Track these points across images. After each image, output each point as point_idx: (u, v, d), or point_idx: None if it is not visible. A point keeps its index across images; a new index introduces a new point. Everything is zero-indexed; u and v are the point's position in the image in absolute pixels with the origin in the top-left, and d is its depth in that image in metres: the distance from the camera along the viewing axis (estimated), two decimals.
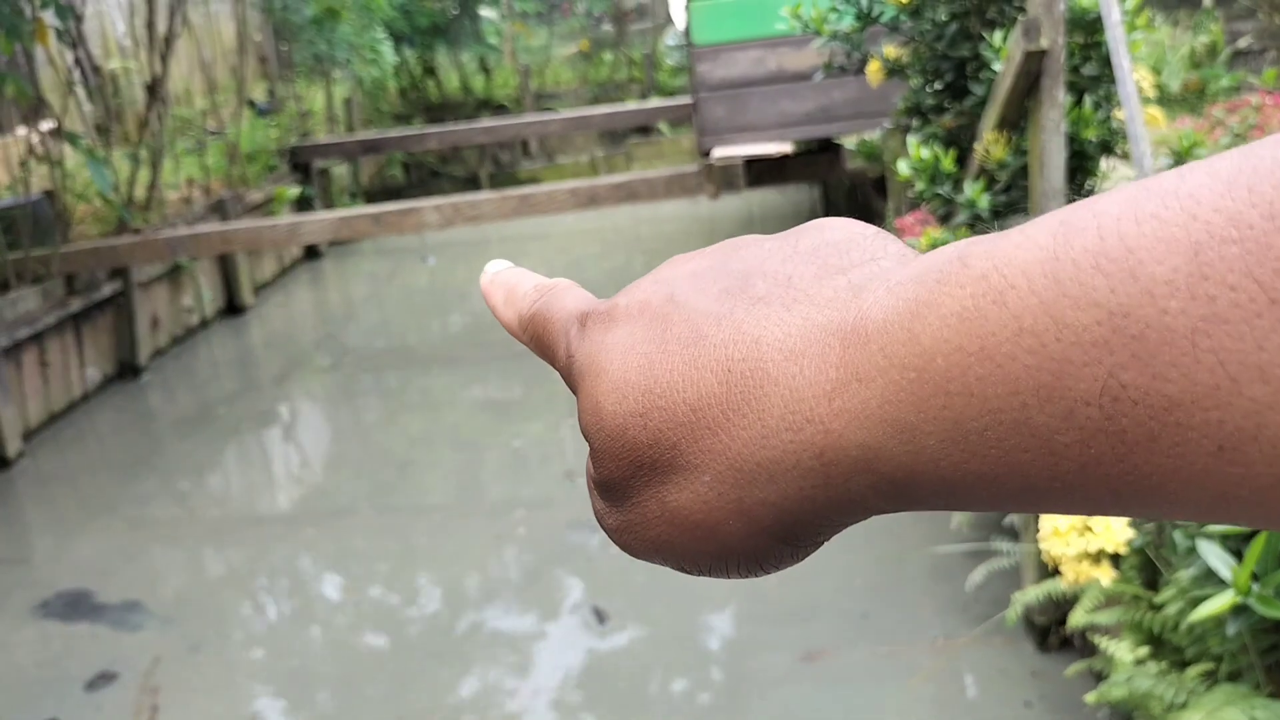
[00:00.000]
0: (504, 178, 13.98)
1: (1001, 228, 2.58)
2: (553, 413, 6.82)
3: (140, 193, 9.11)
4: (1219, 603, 1.98)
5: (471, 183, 13.85)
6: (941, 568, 4.47)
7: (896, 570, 4.51)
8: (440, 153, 14.18)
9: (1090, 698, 2.60)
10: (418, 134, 11.91)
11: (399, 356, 8.52)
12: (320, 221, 7.14)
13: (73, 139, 7.22)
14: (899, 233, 4.23)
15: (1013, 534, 3.98)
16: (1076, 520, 2.17)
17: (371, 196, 13.43)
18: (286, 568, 5.10)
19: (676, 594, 4.49)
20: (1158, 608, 2.59)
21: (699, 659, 4.06)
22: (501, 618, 4.49)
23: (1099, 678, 3.15)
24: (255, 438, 6.98)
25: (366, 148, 11.82)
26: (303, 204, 11.75)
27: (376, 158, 13.70)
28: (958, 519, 4.33)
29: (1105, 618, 2.76)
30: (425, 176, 14.22)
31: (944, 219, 3.88)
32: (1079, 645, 3.76)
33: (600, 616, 4.39)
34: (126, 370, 8.31)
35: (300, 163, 11.84)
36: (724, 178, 6.37)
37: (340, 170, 12.99)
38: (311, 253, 11.91)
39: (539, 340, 0.42)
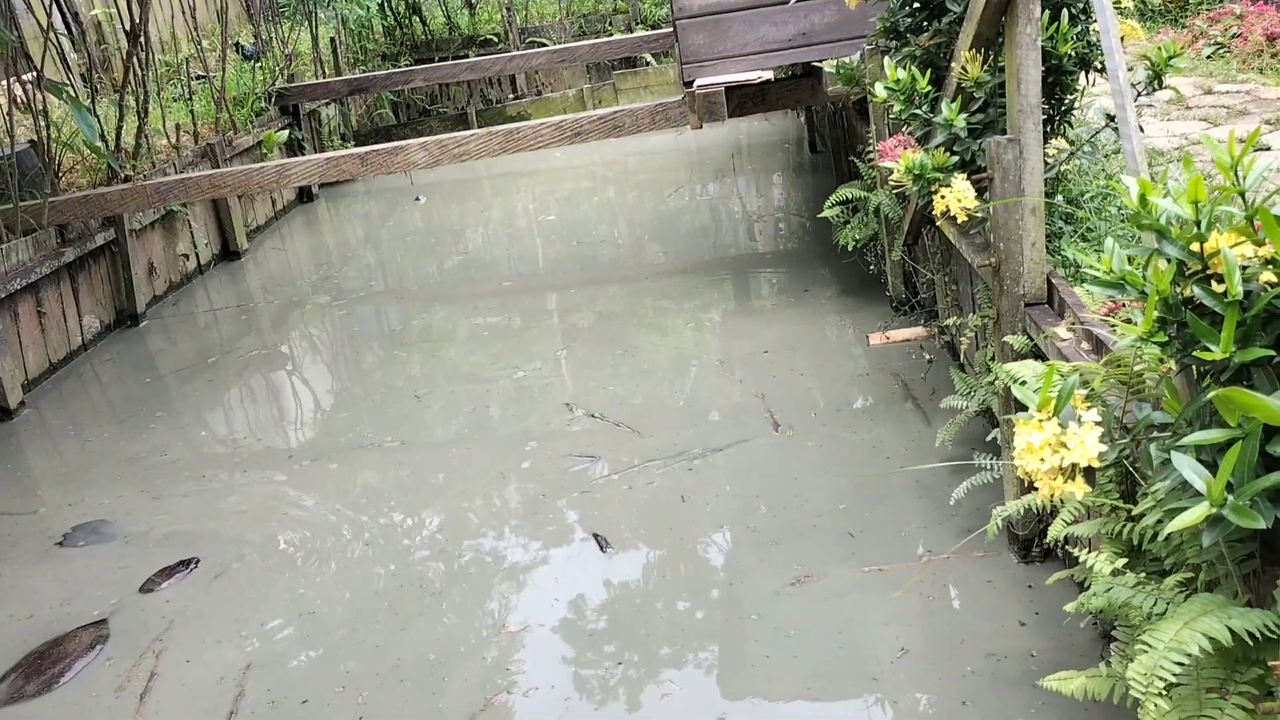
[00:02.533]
0: (492, 114, 13.84)
1: (980, 148, 2.57)
2: (550, 345, 6.86)
3: (128, 140, 9.05)
4: (1194, 515, 2.00)
5: (461, 120, 13.72)
6: (925, 485, 4.54)
7: (881, 489, 4.57)
8: (428, 91, 14.02)
9: (1069, 608, 2.66)
10: (404, 73, 11.77)
11: (397, 296, 8.54)
12: (308, 163, 7.11)
13: (55, 88, 7.15)
14: (880, 156, 4.21)
15: (996, 449, 4.04)
16: (1050, 436, 2.21)
17: (361, 137, 13.33)
18: (297, 503, 5.17)
19: (670, 523, 4.57)
20: (1136, 519, 2.64)
21: (695, 585, 4.14)
22: (509, 547, 4.57)
23: (1082, 586, 3.22)
24: (259, 380, 7.03)
25: (353, 88, 11.69)
26: (293, 147, 11.67)
27: (365, 98, 13.56)
28: (942, 436, 4.39)
29: (1084, 529, 2.81)
30: (415, 115, 14.08)
31: (922, 140, 3.87)
32: (1062, 556, 3.83)
33: (602, 544, 4.48)
34: (125, 318, 8.34)
35: (288, 105, 11.73)
36: (707, 107, 6.31)
37: (329, 112, 12.87)
38: (304, 195, 11.87)
39: None
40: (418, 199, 11.56)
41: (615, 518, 4.68)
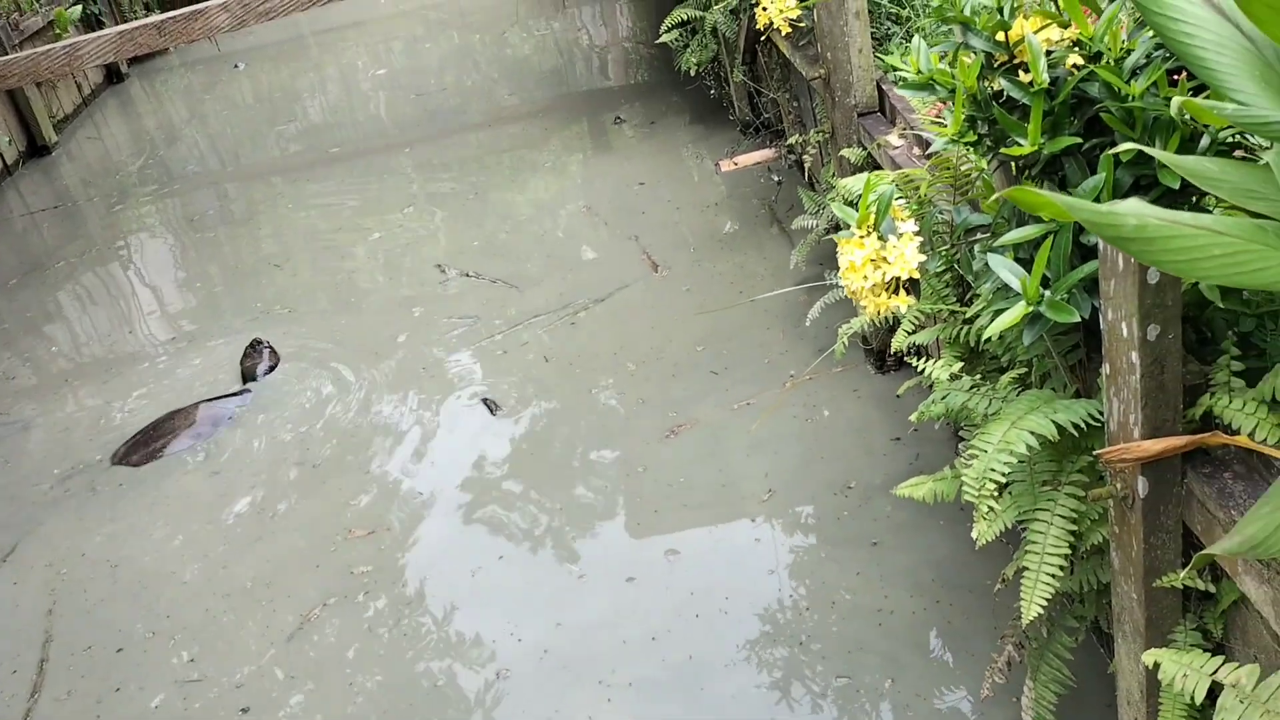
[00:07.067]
0: None
1: None
2: (404, 203, 6.56)
3: None
4: (1011, 315, 1.98)
5: None
6: (780, 311, 4.51)
7: (739, 320, 4.53)
8: None
9: (913, 417, 2.68)
10: None
11: (232, 173, 8.02)
12: (100, 40, 6.47)
13: None
14: None
15: None
16: (871, 252, 2.15)
17: (169, 3, 12.24)
18: (167, 395, 4.87)
19: (549, 386, 4.46)
20: (971, 321, 2.63)
21: (581, 445, 4.06)
22: (401, 417, 4.42)
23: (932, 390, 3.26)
24: (100, 280, 6.56)
25: None
26: (91, 23, 10.68)
27: None
28: (796, 257, 4.35)
29: (924, 337, 2.80)
30: None
31: None
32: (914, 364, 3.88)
33: (491, 408, 4.37)
34: None
35: None
36: None
37: None
38: (114, 76, 10.94)
39: None
40: (236, 66, 10.78)
41: (501, 382, 4.54)
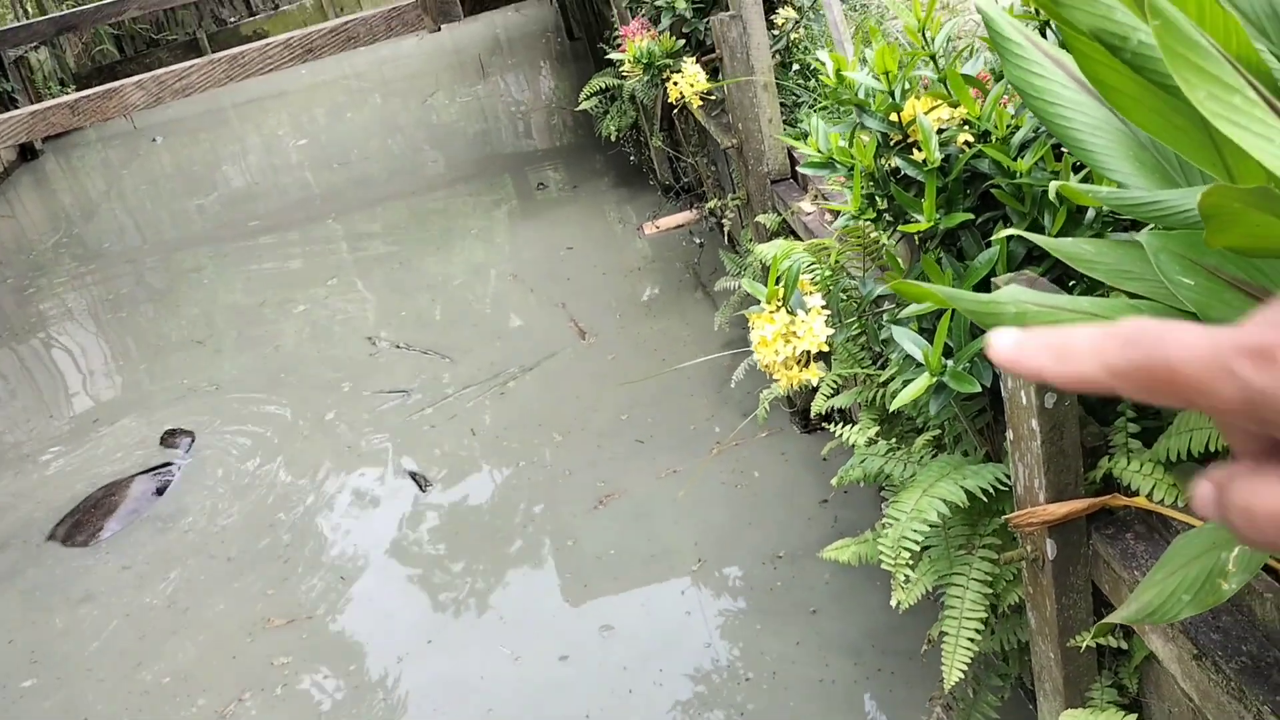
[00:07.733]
0: (226, 36, 12.83)
1: (706, 27, 2.43)
2: (329, 274, 6.50)
3: None
4: (916, 386, 2.03)
5: (193, 48, 12.66)
6: (707, 375, 4.54)
7: (665, 386, 4.55)
8: (152, 19, 12.83)
9: (833, 482, 2.71)
10: (115, 3, 10.68)
11: (154, 247, 7.90)
12: (11, 120, 6.37)
13: None
14: (622, 39, 4.07)
15: None
16: (780, 326, 2.19)
17: (83, 79, 12.12)
18: (92, 475, 4.73)
19: (477, 459, 4.42)
20: (886, 384, 2.69)
21: (510, 520, 4.01)
22: (327, 497, 4.34)
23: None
24: (12, 367, 6.38)
25: (61, 26, 10.55)
26: (3, 101, 10.52)
27: (79, 35, 12.30)
28: (719, 320, 4.39)
29: (842, 401, 2.85)
30: (141, 48, 12.89)
31: (654, 22, 3.75)
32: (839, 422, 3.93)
33: (421, 484, 4.31)
34: None
35: None
36: (439, 7, 5.97)
37: (40, 56, 11.61)
38: (27, 153, 10.76)
39: (1165, 386, 0.41)
40: (155, 139, 10.68)
41: (432, 456, 4.49)
